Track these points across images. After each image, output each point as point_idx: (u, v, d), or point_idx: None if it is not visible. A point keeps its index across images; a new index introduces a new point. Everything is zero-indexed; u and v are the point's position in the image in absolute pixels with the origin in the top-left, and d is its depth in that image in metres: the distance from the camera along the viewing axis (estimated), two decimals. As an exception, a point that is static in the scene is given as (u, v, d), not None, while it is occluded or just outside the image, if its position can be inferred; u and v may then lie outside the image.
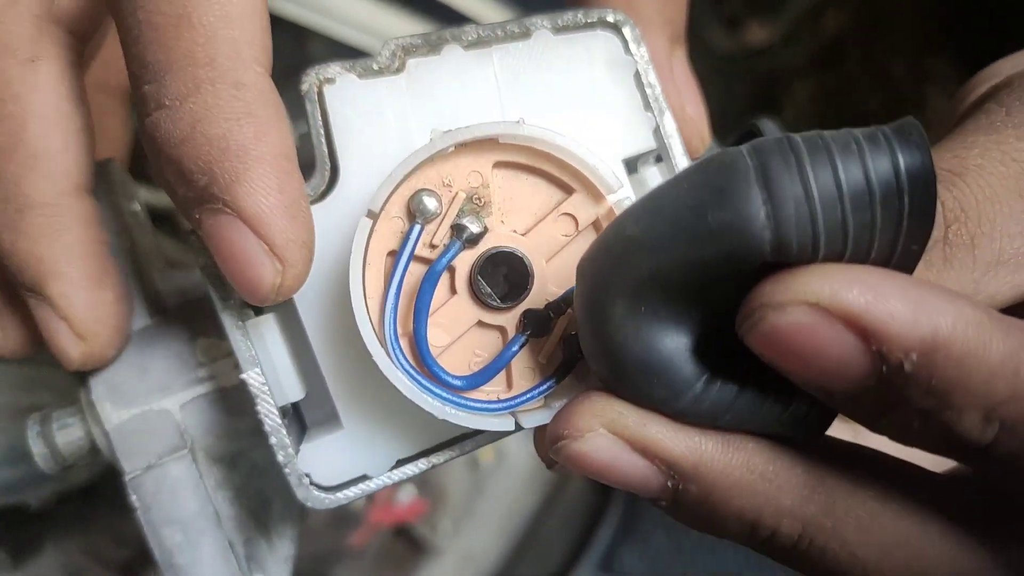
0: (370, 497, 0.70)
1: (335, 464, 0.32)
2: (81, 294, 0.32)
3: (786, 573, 0.29)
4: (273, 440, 0.31)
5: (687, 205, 0.24)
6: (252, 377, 0.31)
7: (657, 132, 0.34)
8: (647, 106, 0.34)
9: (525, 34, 0.33)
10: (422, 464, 0.33)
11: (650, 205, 0.25)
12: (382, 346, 0.29)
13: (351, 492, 0.32)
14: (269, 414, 0.31)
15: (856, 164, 0.23)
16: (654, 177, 0.34)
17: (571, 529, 0.75)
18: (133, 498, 0.36)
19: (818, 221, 0.23)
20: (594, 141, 0.34)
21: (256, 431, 0.38)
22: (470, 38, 0.33)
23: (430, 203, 0.29)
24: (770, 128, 0.38)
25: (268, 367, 0.32)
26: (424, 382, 0.29)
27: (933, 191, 0.23)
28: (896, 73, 0.92)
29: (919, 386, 0.23)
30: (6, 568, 0.61)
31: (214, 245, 0.28)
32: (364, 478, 0.32)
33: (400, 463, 0.33)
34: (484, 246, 0.30)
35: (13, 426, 0.58)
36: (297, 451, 0.32)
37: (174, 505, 0.36)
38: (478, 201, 0.30)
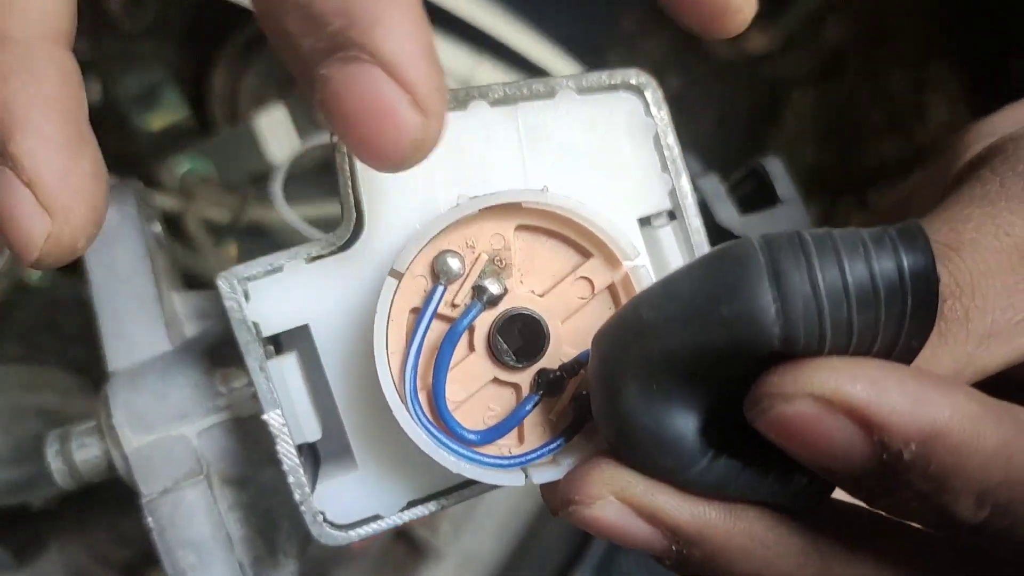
0: None
1: (349, 503, 0.34)
2: (53, 155, 0.27)
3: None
4: (291, 479, 0.32)
5: (702, 294, 0.25)
6: (273, 418, 0.32)
7: (673, 193, 0.35)
8: (664, 167, 0.35)
9: (550, 93, 0.34)
10: (432, 506, 0.34)
11: (666, 290, 0.26)
12: (402, 401, 0.30)
13: (363, 531, 0.33)
14: (288, 454, 0.32)
15: (862, 264, 0.24)
16: (667, 235, 0.36)
17: (570, 533, 0.76)
18: (149, 520, 0.37)
19: (825, 318, 0.24)
20: (611, 201, 0.35)
21: (270, 459, 0.39)
22: (497, 96, 0.34)
23: (454, 264, 0.30)
24: (775, 167, 0.39)
25: (288, 407, 0.33)
26: (441, 437, 0.30)
27: (935, 293, 0.25)
28: (897, 82, 0.93)
29: (917, 472, 0.24)
30: (9, 568, 0.61)
31: (346, 102, 0.24)
32: (376, 517, 0.34)
33: (411, 504, 0.34)
34: (503, 306, 0.31)
35: (17, 426, 0.58)
36: (313, 489, 0.33)
37: (188, 528, 0.37)
38: (499, 263, 0.31)
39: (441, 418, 0.31)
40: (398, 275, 0.30)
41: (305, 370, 0.33)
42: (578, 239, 0.32)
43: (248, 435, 0.38)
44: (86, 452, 0.38)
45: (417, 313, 0.31)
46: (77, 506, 0.65)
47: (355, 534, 0.33)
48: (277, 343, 0.34)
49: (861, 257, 0.24)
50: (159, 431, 0.37)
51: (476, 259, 0.31)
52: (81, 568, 0.65)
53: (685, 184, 0.35)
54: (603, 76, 0.35)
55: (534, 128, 0.34)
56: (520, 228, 0.32)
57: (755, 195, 0.41)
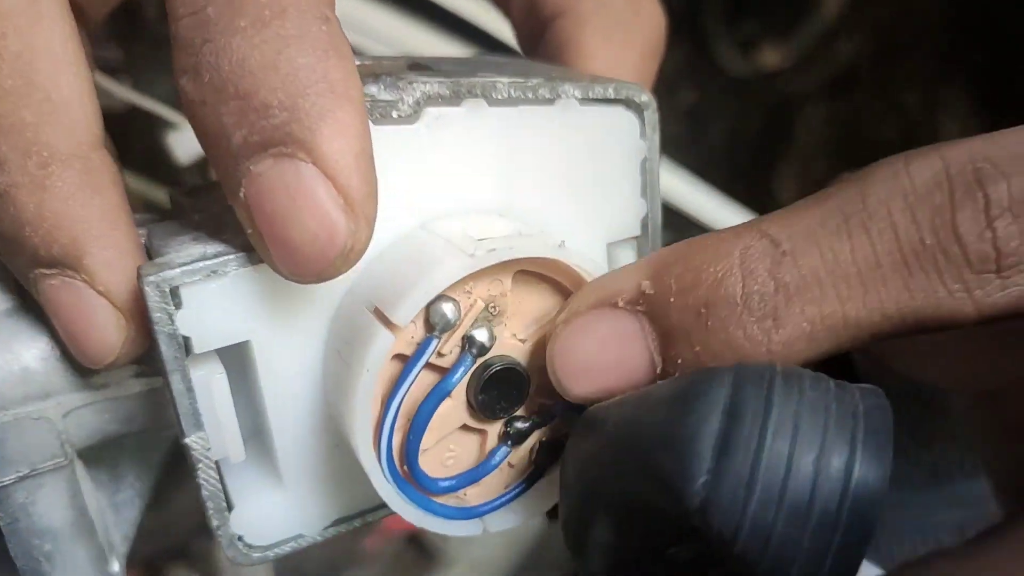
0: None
1: (270, 523, 0.31)
2: (127, 262, 0.27)
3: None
4: (210, 505, 0.29)
5: (648, 430, 0.24)
6: (196, 441, 0.28)
7: (645, 221, 0.34)
8: (643, 192, 0.33)
9: (552, 99, 0.30)
10: (357, 523, 0.32)
11: (626, 413, 0.25)
12: (375, 453, 0.27)
13: (282, 550, 0.31)
14: (208, 480, 0.29)
15: (810, 462, 0.22)
16: (627, 258, 0.34)
17: None
18: (-3, 508, 0.31)
19: (747, 517, 0.22)
20: (587, 221, 0.33)
21: (156, 446, 0.35)
22: (500, 96, 0.29)
23: (450, 314, 0.27)
24: None
25: (211, 426, 0.28)
26: (409, 492, 0.28)
27: (873, 521, 0.22)
28: (909, 100, 0.92)
29: None
30: None
31: (272, 199, 0.23)
32: (299, 536, 0.31)
33: (336, 522, 0.32)
34: (489, 353, 0.29)
35: None
36: (229, 509, 0.30)
37: (45, 517, 0.32)
38: (493, 310, 0.28)
39: (410, 470, 0.28)
40: (394, 329, 0.26)
41: (233, 386, 0.29)
42: (567, 283, 0.30)
43: (124, 417, 0.33)
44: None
45: (399, 360, 0.27)
46: None
47: (272, 554, 0.31)
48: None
49: (814, 447, 0.22)
50: (14, 410, 0.30)
51: (472, 306, 0.28)
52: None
53: (658, 212, 0.34)
54: (609, 88, 0.31)
55: (527, 135, 0.30)
56: (520, 274, 0.29)
57: None
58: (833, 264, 0.24)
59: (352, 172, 0.24)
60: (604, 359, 0.26)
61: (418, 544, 0.76)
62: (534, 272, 0.29)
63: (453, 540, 0.76)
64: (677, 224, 0.81)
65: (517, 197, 0.31)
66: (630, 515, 0.24)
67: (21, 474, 0.31)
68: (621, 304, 0.26)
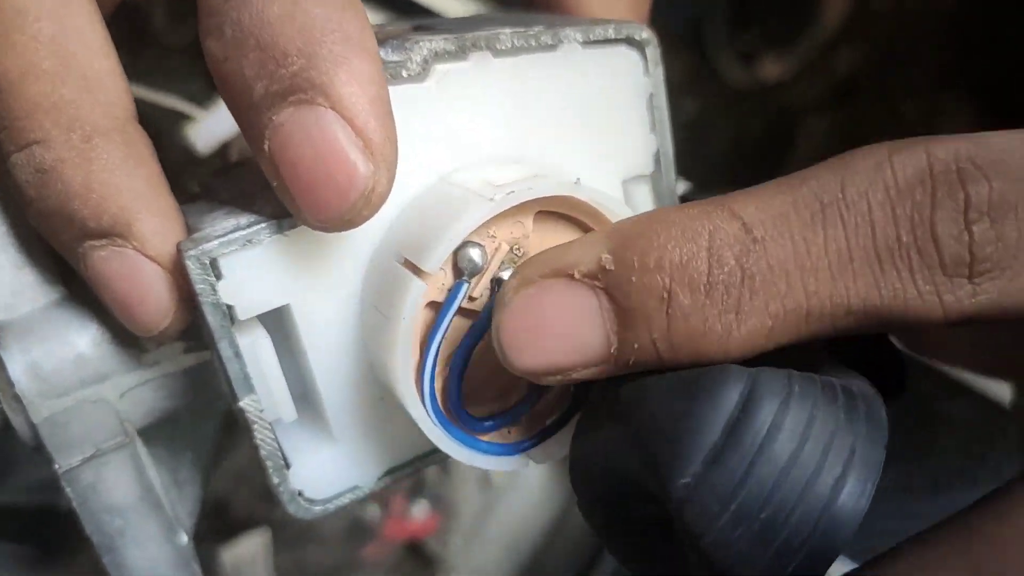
0: (385, 511, 0.67)
1: (326, 477, 0.32)
2: (174, 227, 0.28)
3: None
4: (269, 464, 0.30)
5: (652, 418, 0.24)
6: (250, 404, 0.29)
7: (657, 156, 0.34)
8: (653, 128, 0.34)
9: (555, 45, 0.31)
10: (408, 471, 0.33)
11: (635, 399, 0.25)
12: (419, 398, 0.29)
13: (341, 501, 0.33)
14: (266, 440, 0.30)
15: (796, 488, 0.22)
16: (644, 194, 0.35)
17: (580, 550, 0.75)
18: (68, 491, 0.33)
19: (714, 528, 0.22)
20: (600, 160, 0.34)
21: (209, 414, 0.36)
22: (504, 46, 0.30)
23: (477, 257, 0.28)
24: None
25: (261, 387, 0.30)
26: (456, 433, 0.29)
27: (842, 543, 0.23)
28: (909, 110, 0.91)
29: None
30: (35, 566, 0.58)
31: (294, 147, 0.24)
32: (355, 488, 0.33)
33: (389, 471, 0.33)
34: (516, 294, 0.30)
35: None
36: (288, 467, 0.31)
37: (113, 494, 0.34)
38: (518, 251, 0.29)
39: (454, 412, 0.30)
40: (424, 276, 0.27)
41: (279, 345, 0.30)
42: (587, 220, 0.31)
43: (179, 392, 0.34)
44: (-30, 415, 0.32)
45: (432, 308, 0.29)
46: None
47: (333, 506, 0.32)
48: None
49: (807, 469, 0.22)
50: (74, 395, 0.32)
51: (496, 249, 0.29)
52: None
53: (669, 147, 0.35)
54: (609, 29, 0.32)
55: (534, 83, 0.31)
56: (540, 215, 0.30)
57: None
58: (804, 256, 0.23)
59: (369, 115, 0.24)
60: (555, 332, 0.25)
61: (418, 551, 0.77)
62: (553, 212, 0.30)
63: (453, 548, 0.76)
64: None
65: (530, 143, 0.32)
66: (631, 486, 0.25)
67: (86, 455, 0.33)
68: (578, 276, 0.25)
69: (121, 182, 0.27)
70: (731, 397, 0.23)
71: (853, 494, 0.22)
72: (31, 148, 0.27)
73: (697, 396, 0.24)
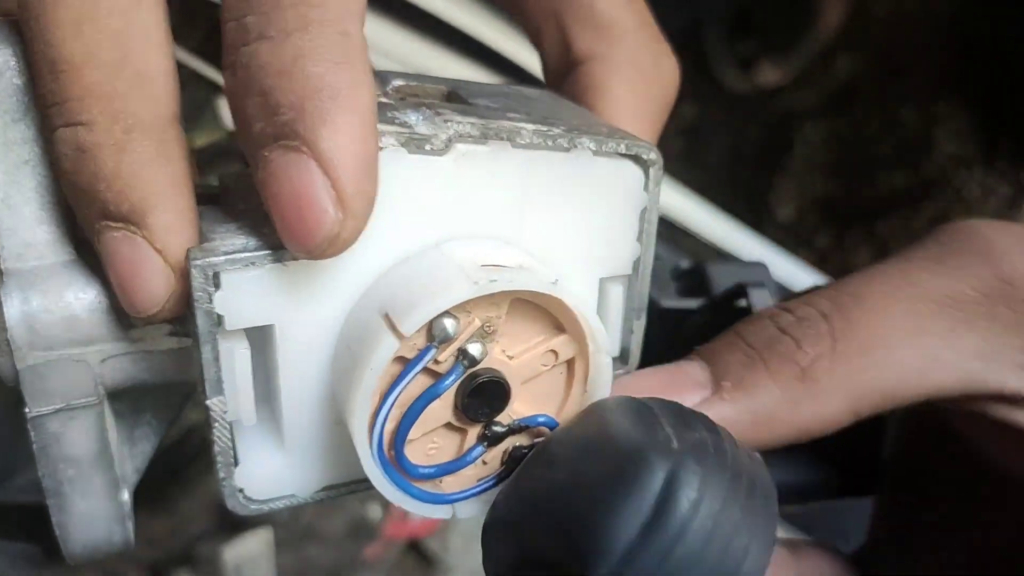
0: (387, 511, 0.68)
1: (269, 481, 0.35)
2: (185, 227, 0.30)
3: None
4: (219, 460, 0.33)
5: (571, 492, 0.28)
6: (216, 404, 0.32)
7: (637, 262, 0.37)
8: (639, 237, 0.37)
9: (569, 148, 0.34)
10: (343, 491, 0.36)
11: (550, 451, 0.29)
12: (368, 438, 0.31)
13: (275, 505, 0.35)
14: (222, 437, 0.33)
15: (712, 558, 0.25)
16: (616, 294, 0.38)
17: None
18: (32, 435, 0.35)
19: None
20: (584, 257, 0.36)
21: (176, 399, 0.39)
22: (523, 141, 0.33)
23: (451, 328, 0.31)
24: (760, 299, 0.42)
25: (230, 390, 0.32)
26: (392, 474, 0.32)
27: None
28: (906, 116, 0.93)
29: None
30: (41, 563, 0.60)
31: (277, 183, 0.27)
32: (291, 496, 0.35)
33: (326, 488, 0.36)
34: (478, 365, 0.33)
35: None
36: (236, 464, 0.34)
37: (73, 447, 0.36)
38: (488, 328, 0.32)
39: (396, 455, 0.32)
40: (400, 337, 0.30)
41: (255, 360, 0.33)
42: (559, 317, 0.33)
43: (154, 368, 0.37)
44: (-42, 345, 0.35)
45: (399, 362, 0.31)
46: None
47: (267, 507, 0.35)
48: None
49: (721, 541, 0.26)
50: (59, 351, 0.35)
51: (470, 323, 0.32)
52: (109, 567, 0.61)
53: (650, 257, 0.37)
54: (621, 144, 0.35)
55: (542, 176, 0.34)
56: (516, 301, 0.32)
57: (693, 287, 0.43)
58: None
59: (345, 170, 0.27)
60: None
61: (417, 552, 0.79)
62: (528, 301, 0.33)
63: (452, 549, 0.78)
64: (674, 236, 0.84)
65: (527, 227, 0.35)
66: (535, 554, 0.28)
67: (57, 407, 0.35)
68: None
69: (147, 176, 0.30)
70: (654, 486, 0.26)
71: (757, 561, 0.26)
72: (76, 127, 0.30)
73: (623, 482, 0.27)
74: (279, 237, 0.29)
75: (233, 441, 0.33)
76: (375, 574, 0.78)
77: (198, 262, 0.30)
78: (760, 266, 0.44)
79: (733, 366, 0.33)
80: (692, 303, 0.44)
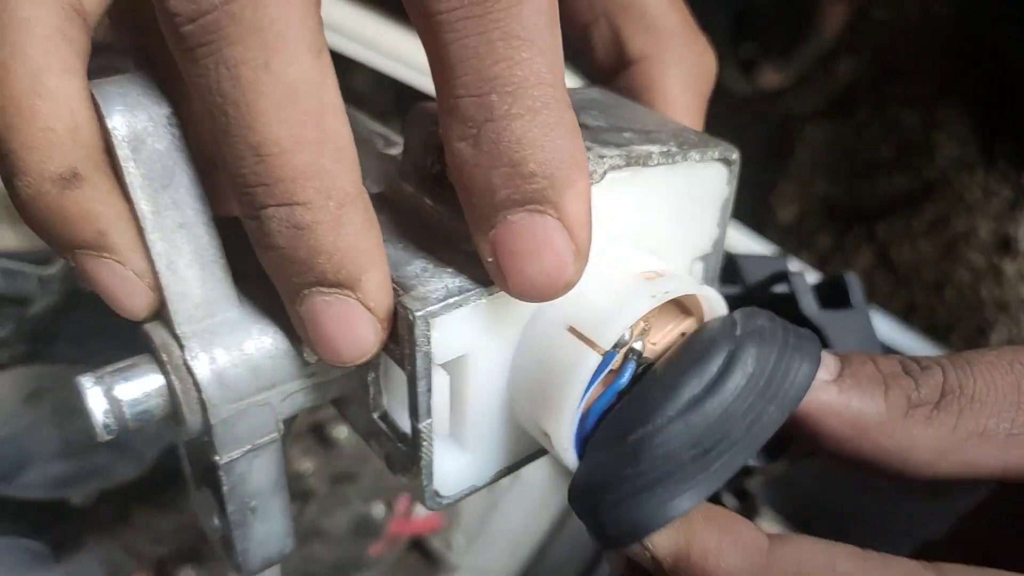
0: (391, 510, 0.66)
1: (455, 478, 0.40)
2: (387, 283, 0.34)
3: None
4: (424, 471, 0.37)
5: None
6: (426, 426, 0.36)
7: (716, 242, 0.44)
8: (719, 223, 0.43)
9: (679, 160, 0.39)
10: (512, 471, 0.42)
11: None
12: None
13: (459, 495, 0.40)
14: (428, 453, 0.37)
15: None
16: (698, 270, 0.45)
17: (581, 550, 0.79)
18: (223, 479, 0.38)
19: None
20: (683, 244, 0.43)
21: (337, 416, 0.42)
22: (652, 163, 0.38)
23: (627, 335, 0.37)
24: (853, 281, 0.48)
25: (435, 413, 0.36)
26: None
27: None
28: (907, 120, 0.93)
29: None
30: (47, 561, 0.60)
31: (523, 242, 0.31)
32: (472, 486, 0.40)
33: (498, 474, 0.41)
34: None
35: (68, 423, 0.58)
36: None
37: (257, 481, 0.39)
38: (647, 327, 0.38)
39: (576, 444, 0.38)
40: (600, 352, 0.35)
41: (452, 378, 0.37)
42: (688, 305, 0.40)
43: (322, 395, 0.40)
44: (142, 409, 0.36)
45: (585, 369, 0.37)
46: (114, 504, 0.63)
47: (454, 500, 0.40)
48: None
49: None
50: (247, 399, 0.37)
51: (637, 326, 0.37)
52: (116, 564, 0.60)
53: (724, 238, 0.44)
54: (716, 151, 0.41)
55: (657, 183, 0.40)
56: (668, 302, 0.38)
57: (832, 298, 0.50)
58: None
59: (583, 226, 0.32)
60: None
61: (421, 550, 0.80)
62: (677, 302, 0.39)
63: (456, 547, 0.80)
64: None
65: (646, 226, 0.40)
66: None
67: (244, 450, 0.38)
68: None
69: (361, 244, 0.33)
70: (719, 359, 0.35)
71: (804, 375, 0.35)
72: (292, 207, 0.31)
73: (696, 359, 0.35)
74: (503, 284, 0.32)
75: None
76: (379, 572, 0.79)
77: (420, 313, 0.33)
78: (782, 259, 0.52)
79: (860, 373, 0.37)
80: (731, 290, 0.52)
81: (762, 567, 0.32)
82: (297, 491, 0.69)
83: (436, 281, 0.35)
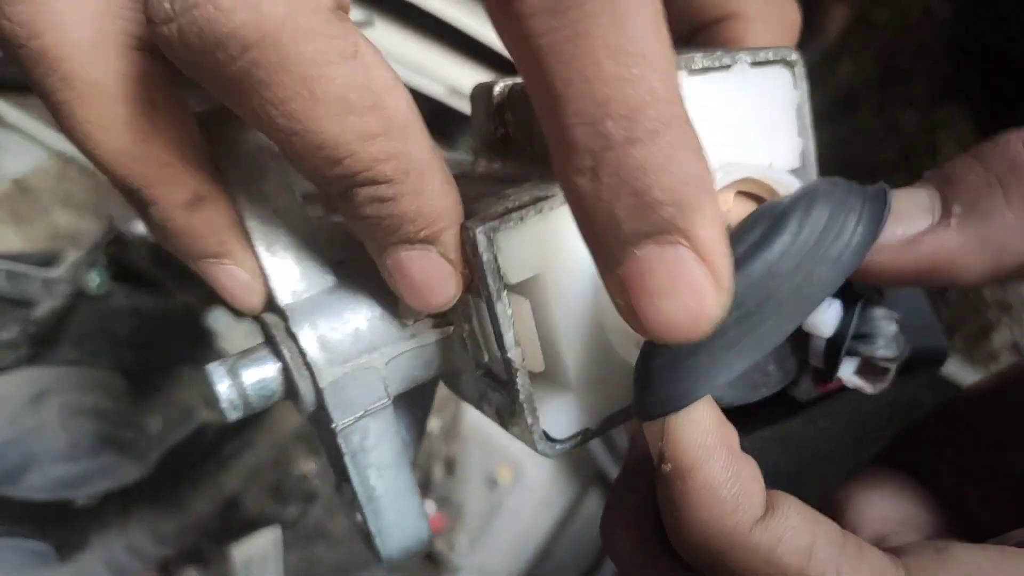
0: None
1: (563, 420, 0.39)
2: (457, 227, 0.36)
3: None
4: (525, 407, 0.37)
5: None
6: (515, 356, 0.36)
7: (803, 154, 0.42)
8: (800, 132, 0.42)
9: (730, 65, 0.39)
10: (620, 419, 0.40)
11: None
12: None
13: (572, 443, 0.39)
14: (524, 386, 0.37)
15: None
16: (792, 183, 0.43)
17: (584, 550, 0.79)
18: (342, 445, 0.39)
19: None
20: (759, 156, 0.41)
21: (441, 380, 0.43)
22: (697, 66, 0.38)
23: (700, 225, 0.36)
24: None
25: (522, 342, 0.37)
26: None
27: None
28: (909, 121, 0.96)
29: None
30: (51, 561, 0.63)
31: (656, 278, 0.27)
32: (585, 431, 0.39)
33: (608, 419, 0.40)
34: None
35: (73, 424, 0.60)
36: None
37: (377, 451, 0.40)
38: (729, 225, 0.37)
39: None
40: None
41: (536, 312, 0.37)
42: (759, 192, 0.38)
43: (427, 362, 0.41)
44: (262, 385, 0.39)
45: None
46: (118, 504, 0.66)
47: (569, 446, 0.39)
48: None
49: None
50: (352, 363, 0.39)
51: (714, 219, 0.36)
52: (120, 565, 0.65)
53: (812, 147, 0.43)
54: (769, 53, 0.40)
55: (714, 94, 0.39)
56: (738, 194, 0.37)
57: None
58: None
59: (720, 255, 0.27)
60: None
61: (424, 552, 0.79)
62: (745, 191, 0.38)
63: (459, 548, 0.79)
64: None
65: (714, 144, 0.40)
66: None
67: (358, 414, 0.39)
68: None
69: (440, 205, 0.35)
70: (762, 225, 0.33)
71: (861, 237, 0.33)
72: (377, 186, 0.34)
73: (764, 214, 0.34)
74: (638, 325, 0.29)
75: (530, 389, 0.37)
76: (382, 573, 0.78)
77: (480, 229, 0.34)
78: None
79: (966, 191, 0.33)
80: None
81: None
82: (300, 492, 0.69)
83: (498, 205, 0.36)
